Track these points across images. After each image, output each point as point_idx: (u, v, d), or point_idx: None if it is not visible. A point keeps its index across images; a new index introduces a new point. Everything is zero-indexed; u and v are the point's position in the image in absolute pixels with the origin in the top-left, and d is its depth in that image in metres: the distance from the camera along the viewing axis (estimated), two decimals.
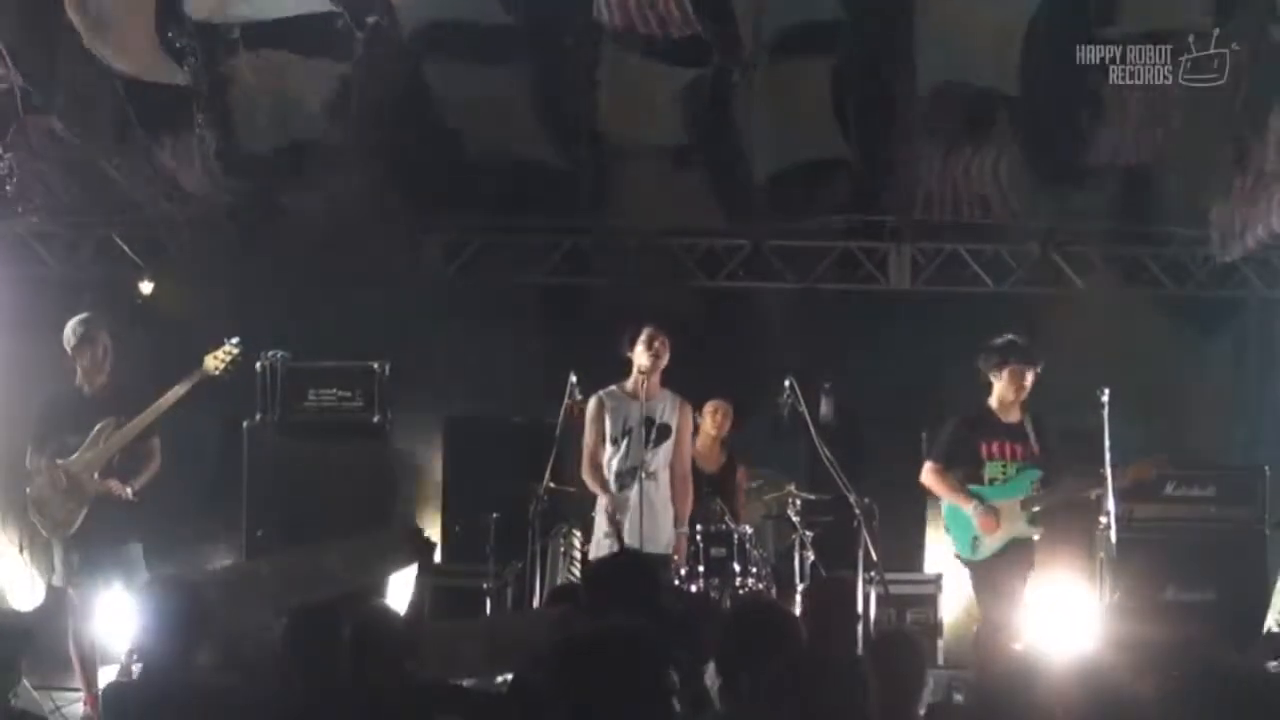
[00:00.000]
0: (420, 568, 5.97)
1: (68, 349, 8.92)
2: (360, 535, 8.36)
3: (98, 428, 8.78)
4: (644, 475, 8.84)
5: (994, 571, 8.72)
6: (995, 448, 8.80)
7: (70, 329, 8.95)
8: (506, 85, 10.47)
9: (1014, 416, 8.81)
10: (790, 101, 10.57)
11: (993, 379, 8.89)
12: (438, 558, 10.46)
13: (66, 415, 8.89)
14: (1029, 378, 8.77)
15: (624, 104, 10.42)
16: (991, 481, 8.81)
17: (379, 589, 7.06)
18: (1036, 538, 8.68)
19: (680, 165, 10.92)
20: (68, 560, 8.79)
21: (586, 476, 9.08)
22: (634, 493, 8.82)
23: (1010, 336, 8.93)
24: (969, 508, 8.77)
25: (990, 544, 8.74)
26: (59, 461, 8.78)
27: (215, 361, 8.97)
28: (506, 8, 10.03)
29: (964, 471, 8.86)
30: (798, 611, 8.84)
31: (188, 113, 10.39)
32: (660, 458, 8.98)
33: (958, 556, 8.97)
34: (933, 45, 10.13)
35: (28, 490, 8.90)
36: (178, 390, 8.84)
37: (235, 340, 9.06)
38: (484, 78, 10.47)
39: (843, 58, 10.38)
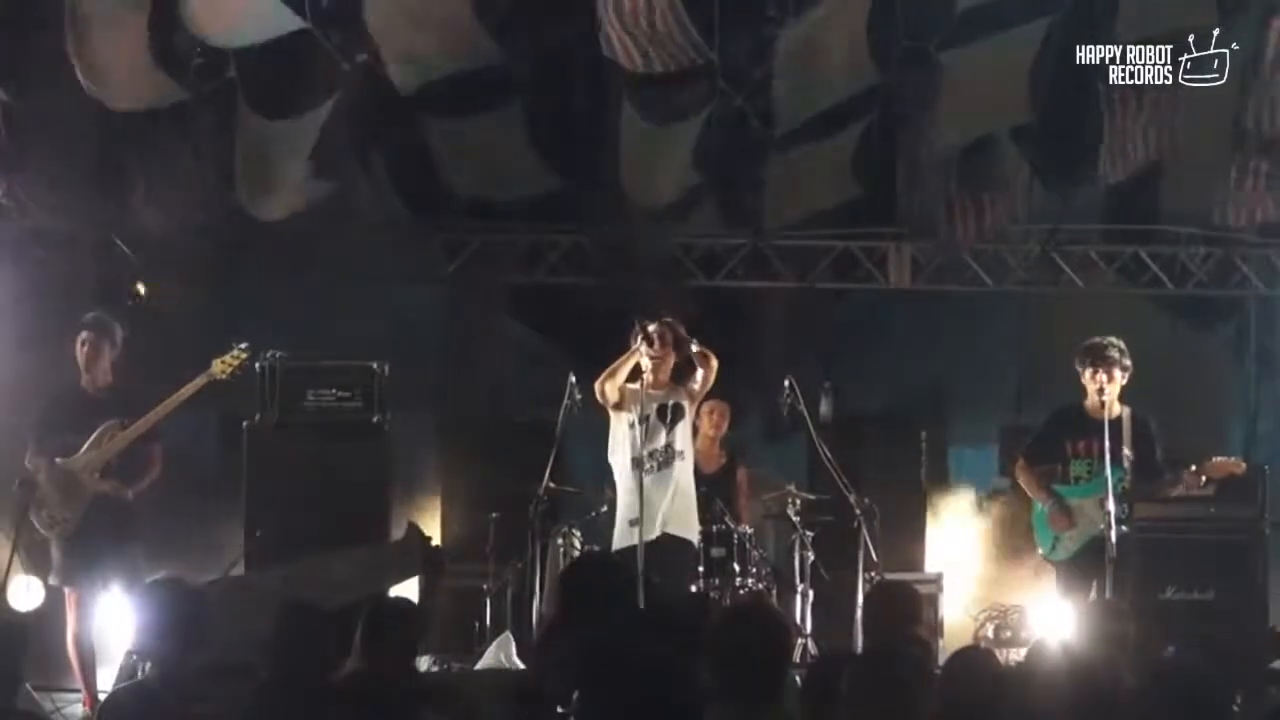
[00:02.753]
0: (429, 577, 5.94)
1: (76, 347, 8.90)
2: (369, 544, 8.33)
3: (101, 429, 8.76)
4: (668, 457, 8.82)
5: (1073, 571, 8.73)
6: (1082, 445, 8.77)
7: (79, 327, 8.94)
8: (505, 131, 10.50)
9: (1105, 415, 8.66)
10: (813, 165, 10.63)
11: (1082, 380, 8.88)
12: None
13: (69, 415, 8.87)
14: (1107, 379, 8.70)
15: (639, 169, 10.46)
16: (1077, 479, 8.80)
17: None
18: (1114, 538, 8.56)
19: (690, 200, 10.99)
20: (67, 560, 8.78)
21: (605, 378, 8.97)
22: (658, 476, 8.79)
23: (1095, 339, 8.87)
24: (1045, 505, 8.78)
25: (1069, 543, 8.74)
26: (59, 461, 8.76)
27: (223, 365, 8.99)
28: (504, 51, 10.06)
29: (1051, 468, 8.85)
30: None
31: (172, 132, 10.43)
32: (682, 436, 8.98)
33: (1043, 557, 8.98)
34: (953, 113, 10.21)
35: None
36: (183, 393, 8.86)
37: (244, 345, 9.08)
38: (481, 126, 10.51)
39: (870, 121, 10.48)
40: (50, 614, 9.20)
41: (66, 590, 8.84)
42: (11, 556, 8.73)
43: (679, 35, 9.72)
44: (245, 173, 10.37)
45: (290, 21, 9.75)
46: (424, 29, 9.90)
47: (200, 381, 8.89)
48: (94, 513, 8.72)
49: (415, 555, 6.05)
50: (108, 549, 8.71)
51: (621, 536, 8.91)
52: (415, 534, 6.23)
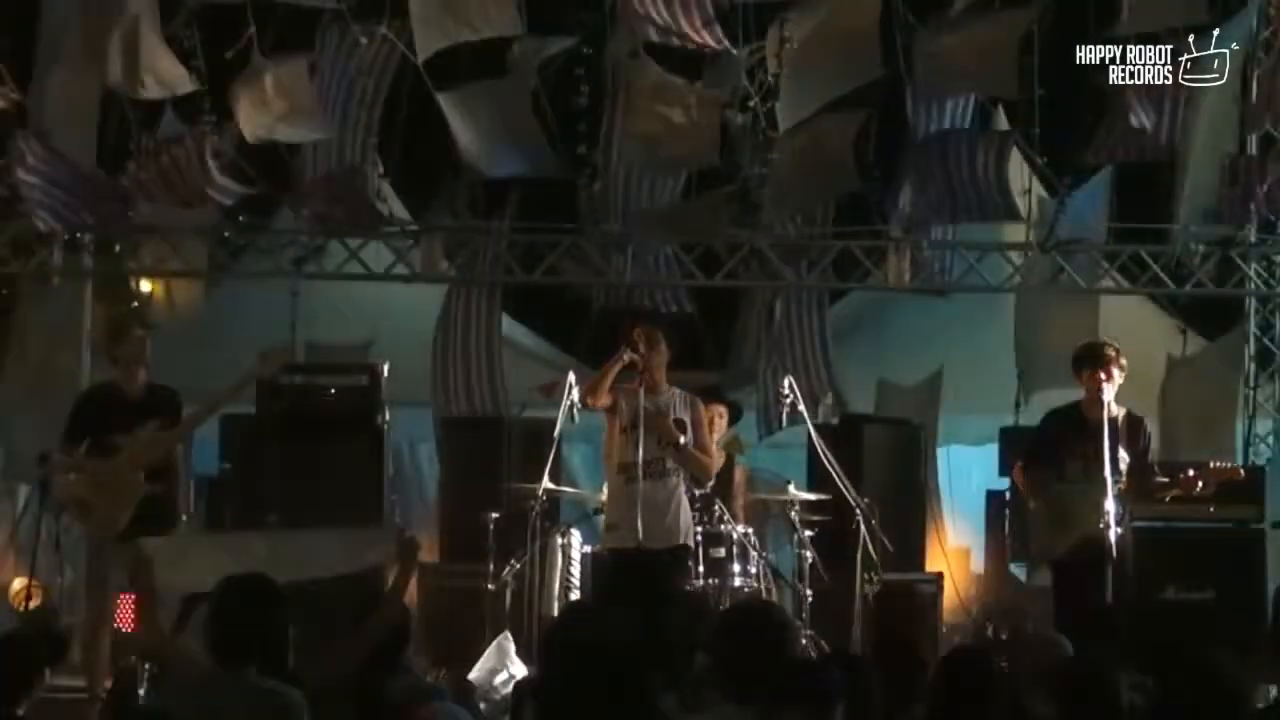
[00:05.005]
0: (403, 566, 5.93)
1: (132, 347, 8.90)
2: (350, 526, 8.28)
3: (145, 429, 8.75)
4: (660, 470, 8.80)
5: (1069, 571, 8.73)
6: (1078, 446, 8.74)
7: (110, 326, 8.94)
8: (518, 102, 10.51)
9: (1102, 415, 8.60)
10: (814, 152, 10.62)
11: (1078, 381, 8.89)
12: (435, 557, 10.53)
13: (108, 415, 8.82)
14: (1105, 378, 8.71)
15: (646, 115, 10.44)
16: (1073, 480, 8.80)
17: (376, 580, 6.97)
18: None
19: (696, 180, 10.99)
20: (114, 561, 8.72)
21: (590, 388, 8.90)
22: (647, 485, 8.74)
23: (1090, 341, 8.92)
24: (1041, 505, 8.80)
25: (1064, 544, 8.74)
26: (105, 462, 8.73)
27: (265, 363, 9.06)
28: (524, 19, 10.12)
29: (1048, 469, 8.86)
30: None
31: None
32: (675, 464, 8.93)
33: (1035, 554, 8.98)
34: (927, 71, 10.22)
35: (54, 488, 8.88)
36: (229, 393, 8.96)
37: (285, 345, 9.15)
38: (494, 97, 10.53)
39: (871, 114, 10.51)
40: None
41: (105, 592, 8.79)
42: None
43: (700, 22, 9.80)
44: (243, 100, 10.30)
45: None
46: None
47: (245, 381, 9.00)
48: (141, 512, 8.65)
49: (390, 540, 6.05)
50: None
51: (602, 541, 8.91)
52: (390, 521, 6.25)
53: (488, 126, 10.62)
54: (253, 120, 10.09)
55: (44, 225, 10.48)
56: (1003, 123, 11.45)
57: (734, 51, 10.11)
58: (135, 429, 8.74)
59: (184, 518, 9.15)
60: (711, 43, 10.09)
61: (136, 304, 11.35)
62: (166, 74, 10.16)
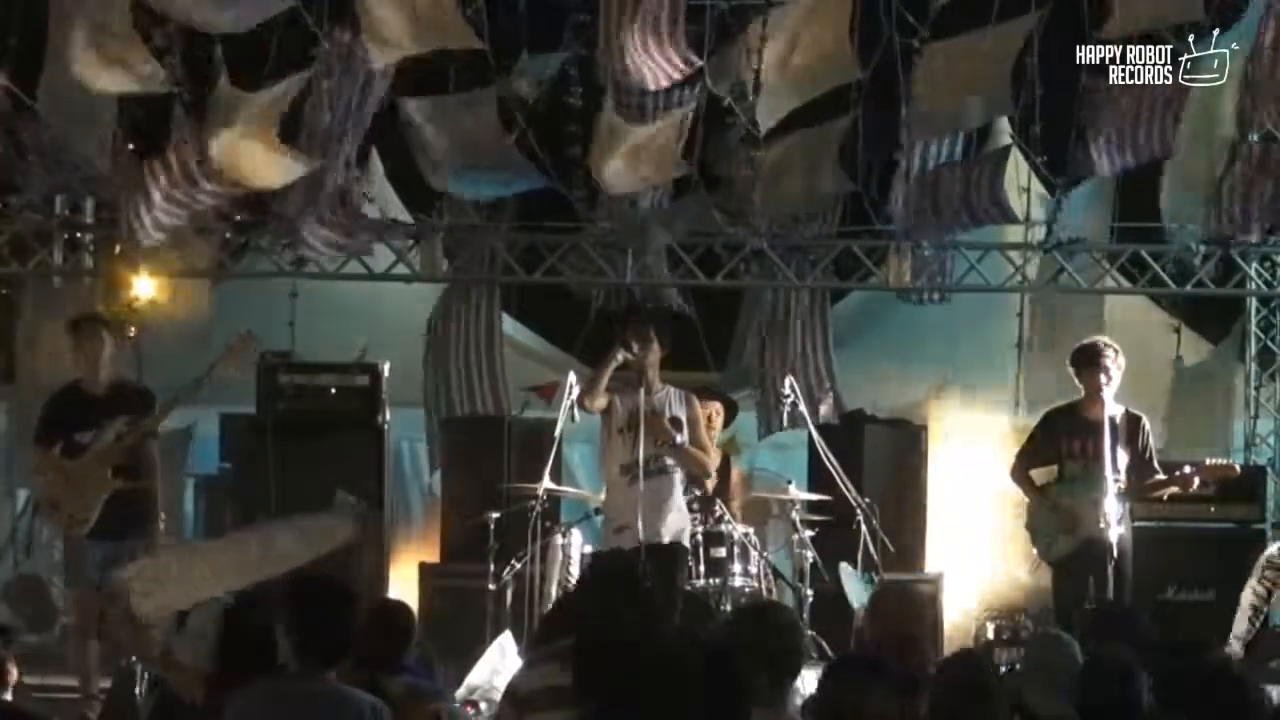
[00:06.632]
0: (365, 538, 5.90)
1: (82, 345, 8.90)
2: (306, 513, 8.23)
3: (111, 425, 8.75)
4: (659, 468, 8.78)
5: (1069, 571, 8.74)
6: (1076, 446, 8.76)
7: (72, 327, 8.96)
8: (485, 121, 10.45)
9: (1102, 414, 8.65)
10: (797, 161, 10.58)
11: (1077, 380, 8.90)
12: (436, 558, 10.53)
13: (73, 413, 8.84)
14: (1105, 379, 8.71)
15: (619, 161, 10.40)
16: (1072, 480, 8.80)
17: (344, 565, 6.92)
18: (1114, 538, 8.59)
19: (680, 190, 10.95)
20: (90, 558, 8.74)
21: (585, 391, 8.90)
22: (647, 485, 8.72)
23: (1088, 340, 8.94)
24: (1040, 506, 8.79)
25: (1064, 544, 8.74)
26: (72, 460, 8.74)
27: (228, 360, 9.04)
28: (481, 33, 10.05)
29: (1048, 469, 8.85)
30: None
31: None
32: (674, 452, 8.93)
33: (1039, 557, 8.99)
34: (928, 102, 10.19)
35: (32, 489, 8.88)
36: (191, 389, 8.87)
37: (248, 331, 9.12)
38: (461, 114, 10.47)
39: (856, 117, 10.46)
40: None
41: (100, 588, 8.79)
42: None
43: (670, 44, 9.80)
44: (219, 143, 10.21)
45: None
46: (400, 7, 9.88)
47: (205, 376, 8.93)
48: (111, 511, 8.69)
49: (348, 515, 6.04)
50: (125, 546, 8.65)
51: (606, 543, 8.91)
52: (342, 500, 6.22)
53: (458, 146, 10.55)
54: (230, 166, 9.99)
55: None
56: (1004, 124, 11.43)
57: (700, 63, 10.07)
58: (100, 426, 8.76)
59: (163, 517, 9.09)
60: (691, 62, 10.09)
61: (119, 307, 11.26)
62: (140, 70, 10.06)
